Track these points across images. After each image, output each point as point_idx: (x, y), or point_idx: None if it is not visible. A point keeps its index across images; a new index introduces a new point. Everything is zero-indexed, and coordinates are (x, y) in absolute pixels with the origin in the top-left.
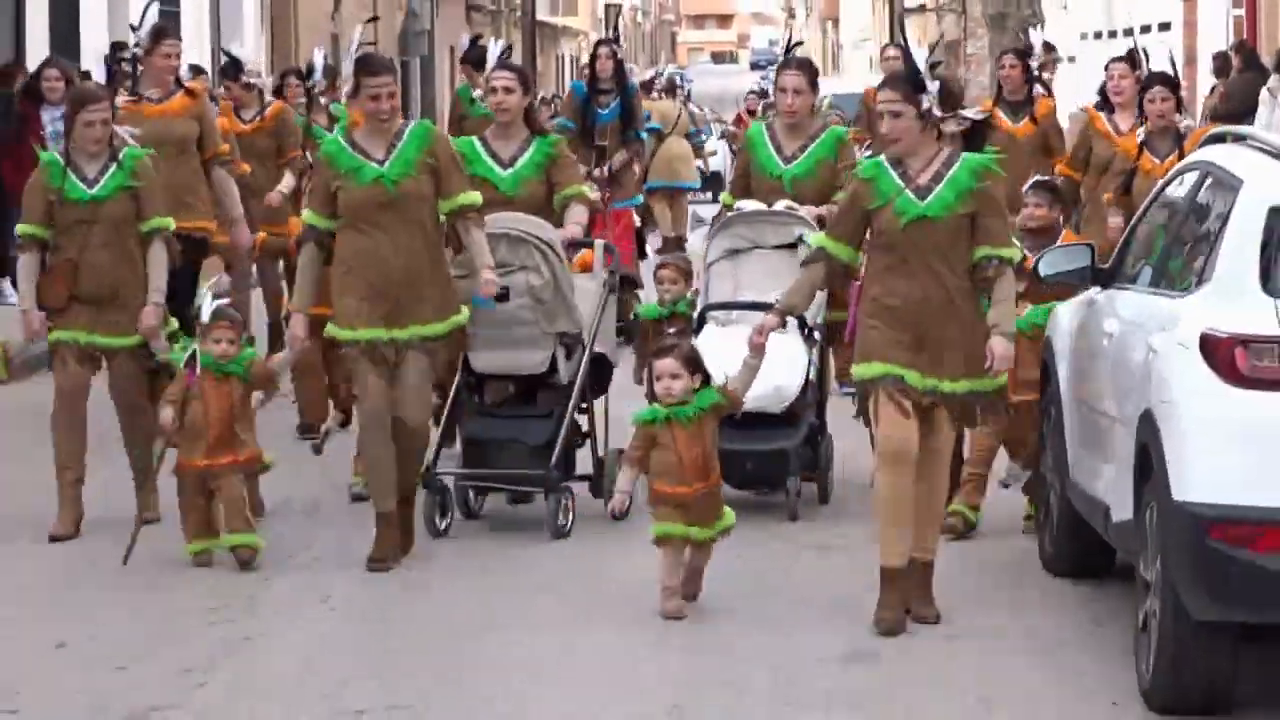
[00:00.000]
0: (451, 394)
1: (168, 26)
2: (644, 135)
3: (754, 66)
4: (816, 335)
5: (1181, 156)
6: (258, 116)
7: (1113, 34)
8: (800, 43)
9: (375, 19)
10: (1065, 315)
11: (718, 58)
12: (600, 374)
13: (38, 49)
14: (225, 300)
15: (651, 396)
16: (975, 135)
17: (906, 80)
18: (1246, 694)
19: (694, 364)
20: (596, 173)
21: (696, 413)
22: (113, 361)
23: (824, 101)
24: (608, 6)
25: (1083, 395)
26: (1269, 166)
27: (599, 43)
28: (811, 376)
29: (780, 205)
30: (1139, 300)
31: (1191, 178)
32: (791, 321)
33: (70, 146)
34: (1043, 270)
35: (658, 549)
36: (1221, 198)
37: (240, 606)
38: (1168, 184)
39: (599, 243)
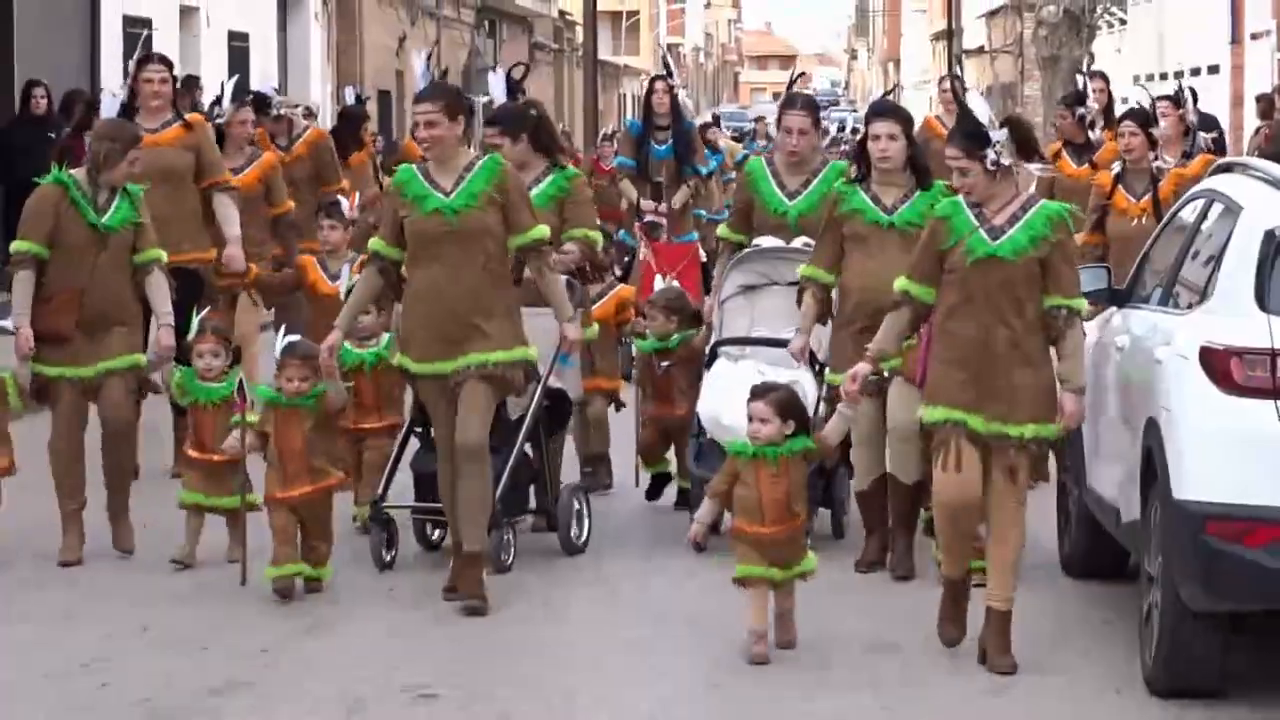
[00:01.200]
0: (404, 427)
1: (152, 53)
2: (702, 170)
3: None
4: (827, 370)
5: (1156, 196)
6: (289, 147)
7: (1164, 76)
8: (802, 74)
9: (437, 44)
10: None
11: (779, 98)
12: (559, 411)
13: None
14: (295, 336)
15: (650, 442)
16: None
17: (967, 136)
18: (1239, 679)
19: (787, 410)
20: (659, 208)
21: (782, 455)
22: (107, 384)
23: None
24: (667, 46)
25: (1097, 406)
26: (1267, 194)
27: (654, 79)
28: (821, 410)
29: (798, 243)
30: (1148, 318)
31: (1199, 204)
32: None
33: (104, 177)
34: None
35: (742, 590)
36: (1224, 222)
37: (311, 598)
38: (1179, 210)
39: (624, 288)
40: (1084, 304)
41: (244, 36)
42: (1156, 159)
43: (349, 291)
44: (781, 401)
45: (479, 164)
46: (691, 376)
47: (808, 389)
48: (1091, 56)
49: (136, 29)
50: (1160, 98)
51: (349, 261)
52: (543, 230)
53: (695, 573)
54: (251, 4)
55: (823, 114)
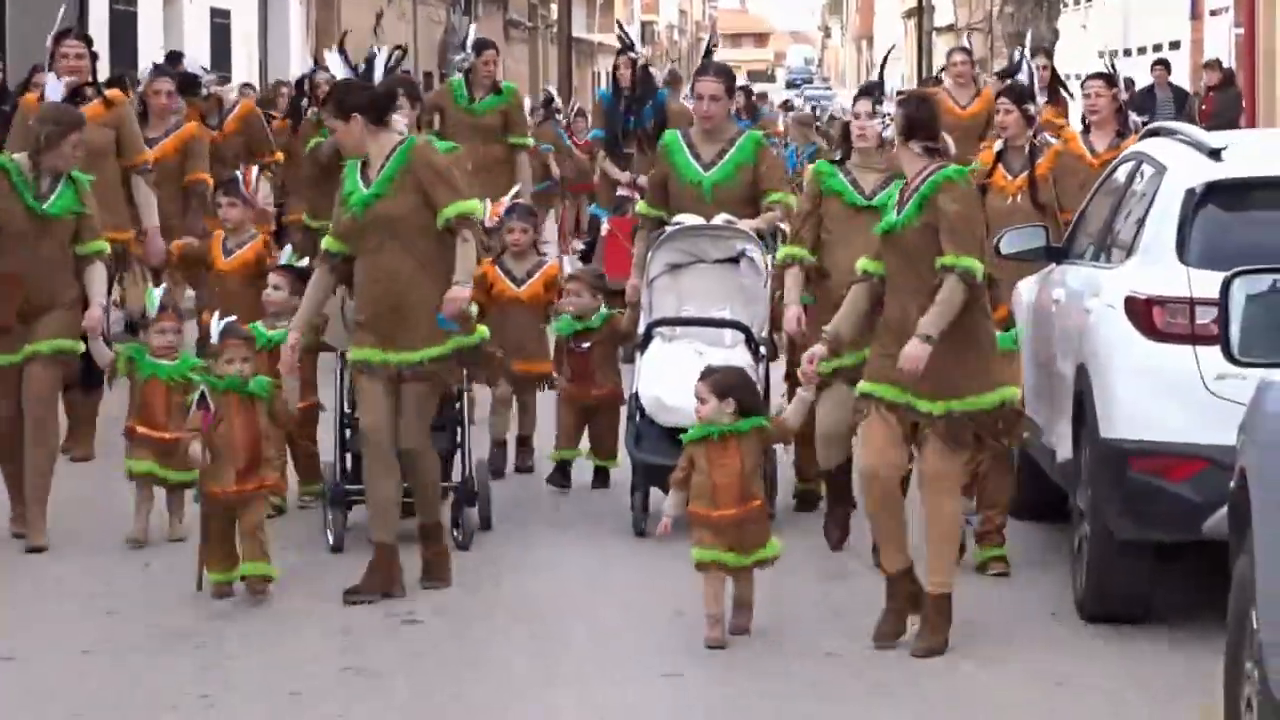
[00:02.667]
0: (338, 409)
1: (70, 29)
2: None
3: (789, 85)
4: (763, 350)
5: (1032, 174)
6: (219, 125)
7: (1128, 52)
8: (716, 44)
9: (401, 48)
10: (1025, 290)
11: (754, 76)
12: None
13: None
14: (231, 318)
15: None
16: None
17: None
18: (1166, 604)
19: (724, 389)
20: (636, 179)
21: (725, 434)
22: (31, 368)
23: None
24: (641, 23)
25: (1037, 357)
26: (1190, 156)
27: (618, 52)
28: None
29: (720, 219)
30: (1081, 272)
31: (1130, 166)
32: (737, 335)
33: (45, 160)
34: (1003, 249)
35: (701, 575)
36: (1150, 182)
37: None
38: (1112, 171)
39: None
40: (972, 262)
41: (225, 14)
42: (1035, 135)
43: (290, 264)
44: (719, 383)
45: (395, 152)
46: (613, 356)
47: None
48: (1056, 33)
49: (123, 6)
50: (1092, 75)
51: (250, 238)
52: (466, 206)
53: (637, 551)
54: None
55: (797, 93)
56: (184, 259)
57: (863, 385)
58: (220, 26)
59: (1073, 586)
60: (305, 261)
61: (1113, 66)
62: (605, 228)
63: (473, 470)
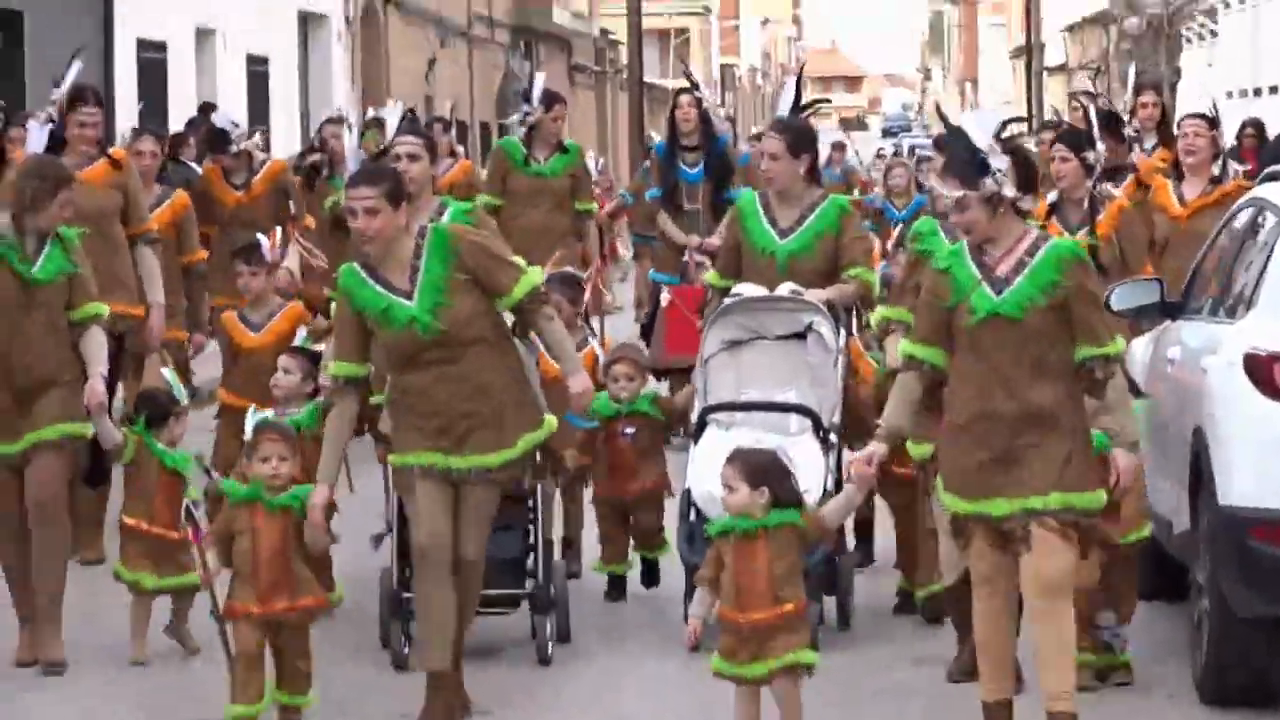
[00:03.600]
0: (395, 504)
1: (87, 89)
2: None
3: (886, 133)
4: (833, 438)
5: (1093, 227)
6: (246, 185)
7: (1258, 92)
8: (822, 100)
9: (411, 110)
10: (1140, 349)
11: (846, 124)
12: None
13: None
14: (268, 413)
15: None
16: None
17: (963, 165)
18: None
19: (758, 475)
20: (704, 242)
21: (756, 529)
22: (35, 458)
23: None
24: (720, 66)
25: (1152, 422)
26: None
27: (679, 91)
28: (829, 486)
29: (784, 289)
30: (1198, 328)
31: (1249, 213)
32: (805, 422)
33: (30, 221)
34: (1115, 305)
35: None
36: (1272, 231)
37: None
38: (1230, 219)
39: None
40: (1120, 346)
41: (263, 60)
42: (1095, 186)
43: (303, 347)
44: (752, 466)
45: (426, 243)
46: (659, 444)
47: (811, 461)
48: (1178, 71)
49: (151, 53)
50: (1191, 115)
51: (278, 308)
52: (530, 279)
53: (690, 665)
54: (271, 25)
55: (895, 141)
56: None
57: (956, 504)
58: (257, 75)
59: (1191, 667)
60: (322, 346)
61: (1214, 107)
62: (666, 297)
63: (550, 574)
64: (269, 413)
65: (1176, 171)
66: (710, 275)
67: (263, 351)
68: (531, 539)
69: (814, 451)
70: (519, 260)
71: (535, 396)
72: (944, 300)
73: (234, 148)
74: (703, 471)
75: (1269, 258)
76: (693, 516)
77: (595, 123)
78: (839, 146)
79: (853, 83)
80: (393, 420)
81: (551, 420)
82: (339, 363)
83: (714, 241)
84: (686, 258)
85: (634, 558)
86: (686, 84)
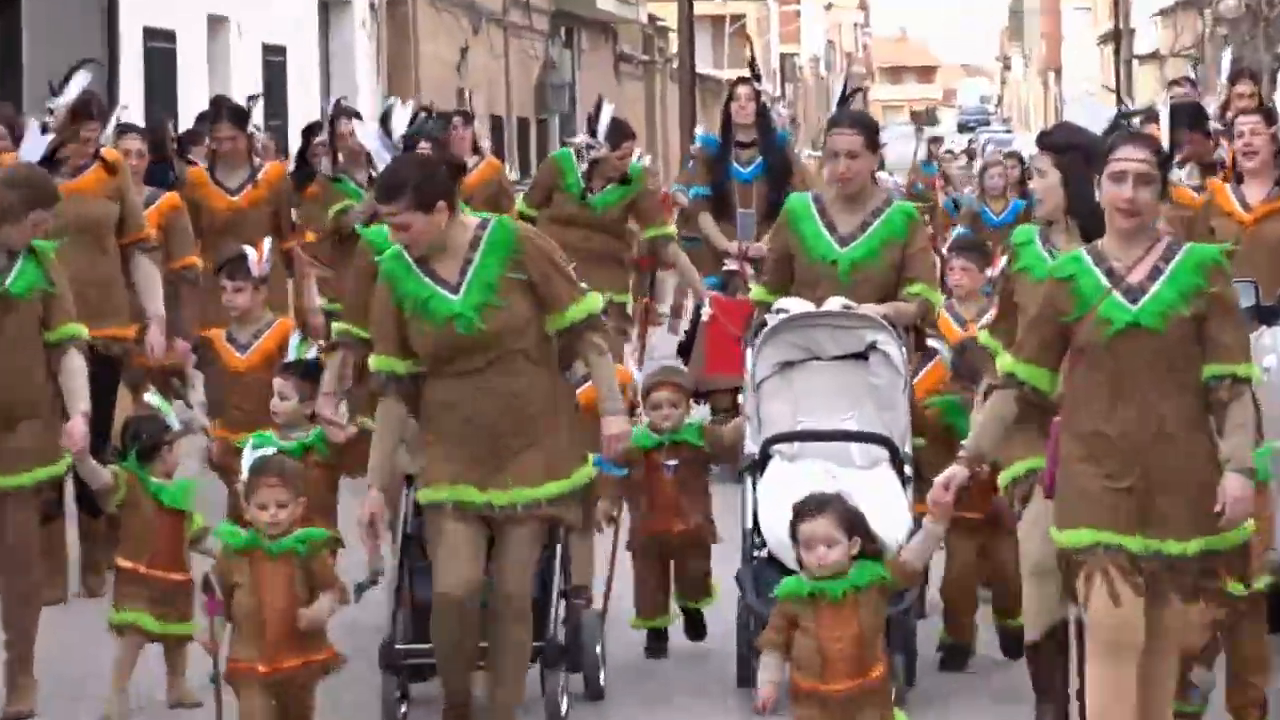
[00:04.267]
0: (399, 548)
1: (93, 103)
2: None
3: (962, 128)
4: (908, 469)
5: None
6: (247, 184)
7: None
8: (865, 87)
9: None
10: None
11: (915, 118)
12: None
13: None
14: (269, 450)
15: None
16: None
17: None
18: None
19: (853, 525)
20: (748, 248)
21: (849, 591)
22: (4, 503)
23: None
24: (780, 56)
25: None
26: None
27: (737, 81)
28: (910, 523)
29: (834, 303)
30: None
31: None
32: (874, 452)
33: (2, 233)
34: None
35: None
36: None
37: None
38: None
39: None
40: (1255, 370)
41: (280, 50)
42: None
43: (297, 361)
44: (847, 515)
45: (485, 236)
46: (704, 478)
47: (890, 498)
48: (1278, 59)
49: (159, 43)
50: (1244, 112)
51: (266, 326)
52: (590, 303)
53: None
54: (288, 12)
55: (972, 136)
56: (163, 369)
57: (1084, 535)
58: (274, 65)
59: None
60: (314, 354)
61: (1275, 102)
62: (706, 312)
63: (579, 625)
64: (270, 447)
65: (1235, 173)
66: (757, 290)
67: (251, 374)
68: (550, 585)
69: (894, 482)
70: (580, 284)
71: (578, 435)
72: (1066, 313)
73: (252, 129)
74: (772, 509)
75: None
76: (757, 560)
77: (643, 117)
78: (936, 140)
79: (925, 73)
80: (421, 446)
81: (591, 462)
82: (378, 357)
83: (760, 247)
84: (732, 266)
85: (674, 608)
86: (744, 74)
